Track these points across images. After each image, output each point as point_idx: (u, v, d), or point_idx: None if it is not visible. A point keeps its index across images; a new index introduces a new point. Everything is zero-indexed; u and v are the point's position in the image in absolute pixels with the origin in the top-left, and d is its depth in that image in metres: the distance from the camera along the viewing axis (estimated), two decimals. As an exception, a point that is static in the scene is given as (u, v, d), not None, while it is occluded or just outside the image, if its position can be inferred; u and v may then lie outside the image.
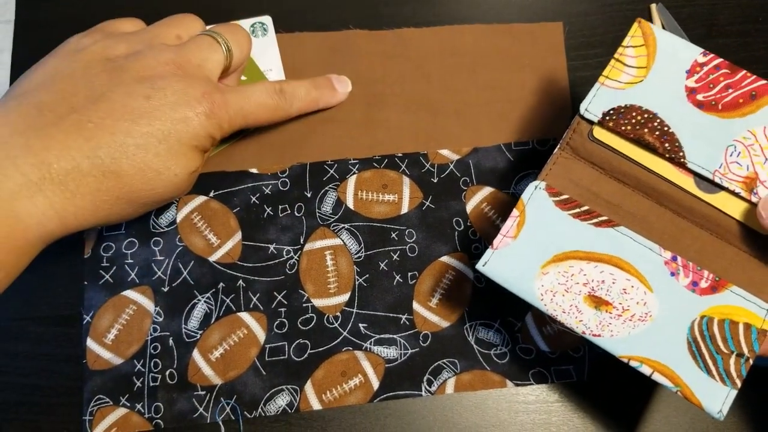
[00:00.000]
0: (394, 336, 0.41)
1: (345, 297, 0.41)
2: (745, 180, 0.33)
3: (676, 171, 0.34)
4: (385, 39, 0.45)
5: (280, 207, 0.43)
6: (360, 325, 0.41)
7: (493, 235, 0.42)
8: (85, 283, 0.41)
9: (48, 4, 0.47)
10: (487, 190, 0.43)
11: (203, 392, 0.40)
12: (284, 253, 0.42)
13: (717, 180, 0.33)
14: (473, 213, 0.42)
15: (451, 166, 0.43)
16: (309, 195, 0.43)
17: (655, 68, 0.35)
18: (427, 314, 0.41)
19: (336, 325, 0.41)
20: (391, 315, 0.41)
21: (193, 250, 0.42)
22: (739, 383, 0.31)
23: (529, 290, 0.33)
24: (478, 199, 0.43)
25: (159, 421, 0.39)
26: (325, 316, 0.41)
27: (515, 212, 0.34)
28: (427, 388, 0.40)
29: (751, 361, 0.31)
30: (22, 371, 0.40)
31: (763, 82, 0.34)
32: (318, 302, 0.41)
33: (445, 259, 0.42)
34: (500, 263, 0.33)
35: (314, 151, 0.44)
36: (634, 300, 0.32)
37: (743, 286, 0.33)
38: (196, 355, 0.40)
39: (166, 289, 0.41)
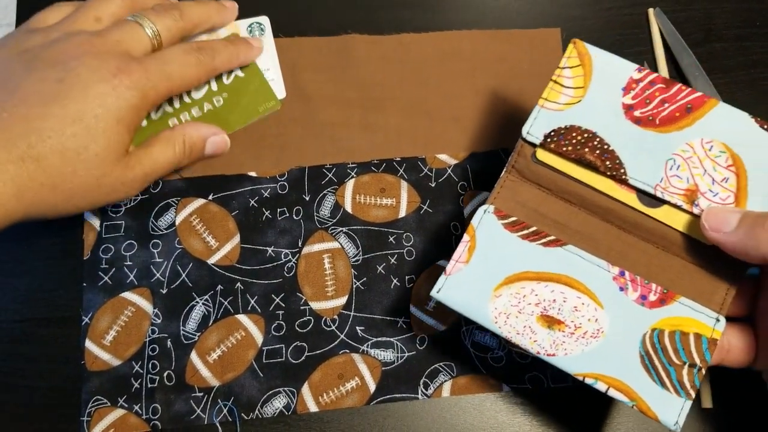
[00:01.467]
0: (391, 339, 0.41)
1: (342, 300, 0.41)
2: (686, 192, 0.33)
3: (618, 188, 0.34)
4: (384, 44, 0.46)
5: (278, 210, 0.43)
6: (357, 328, 0.41)
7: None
8: (84, 284, 0.42)
9: (48, 6, 0.47)
10: (484, 195, 0.43)
11: (201, 394, 0.40)
12: (282, 256, 0.42)
13: (659, 194, 0.34)
14: (471, 217, 0.43)
15: (449, 171, 0.44)
16: (307, 198, 0.43)
17: (592, 87, 0.35)
18: (424, 318, 0.41)
19: (333, 328, 0.41)
20: (389, 318, 0.41)
21: (192, 253, 0.42)
22: (693, 393, 0.31)
23: (484, 314, 0.33)
24: (475, 203, 0.43)
25: (156, 422, 0.39)
26: (323, 319, 0.41)
27: (466, 237, 0.34)
28: (424, 391, 0.40)
29: (703, 371, 0.31)
30: (21, 372, 0.41)
31: (698, 94, 0.34)
32: (315, 305, 0.41)
33: (442, 263, 0.42)
34: (454, 289, 0.34)
35: (313, 154, 0.44)
36: (585, 317, 0.33)
37: (691, 296, 0.33)
38: (193, 356, 0.41)
39: (164, 291, 0.41)
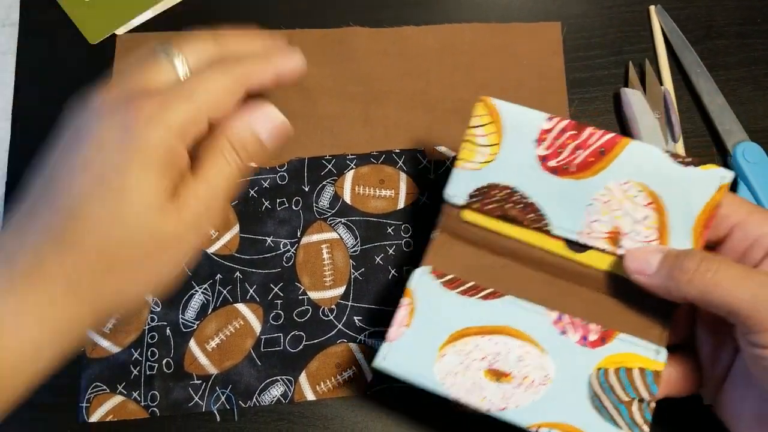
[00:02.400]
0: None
1: (340, 290, 0.42)
2: (609, 235, 0.34)
3: (545, 238, 0.35)
4: (385, 36, 0.46)
5: (277, 200, 0.43)
6: (355, 317, 0.41)
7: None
8: (86, 272, 0.42)
9: (52, 7, 0.48)
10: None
11: (199, 381, 0.40)
12: (281, 245, 0.42)
13: (583, 241, 0.34)
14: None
15: (448, 163, 0.44)
16: (307, 189, 0.43)
17: (506, 143, 0.35)
18: (422, 308, 0.41)
19: (331, 317, 0.41)
20: (386, 308, 0.41)
21: (192, 242, 0.42)
22: (646, 428, 0.31)
23: (430, 377, 0.33)
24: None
25: (155, 409, 0.40)
26: (321, 309, 0.41)
27: (405, 300, 0.34)
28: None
29: (653, 404, 0.31)
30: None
31: (610, 136, 0.34)
32: (314, 295, 0.42)
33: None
34: (399, 355, 0.34)
35: (312, 146, 0.44)
36: (531, 365, 0.33)
37: (631, 331, 0.33)
38: (192, 345, 0.41)
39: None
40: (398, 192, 0.43)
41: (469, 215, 0.36)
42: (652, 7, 0.48)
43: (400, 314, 0.34)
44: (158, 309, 0.41)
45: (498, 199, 0.35)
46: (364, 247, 0.42)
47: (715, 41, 0.47)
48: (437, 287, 0.35)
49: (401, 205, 0.43)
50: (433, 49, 0.46)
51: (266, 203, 0.43)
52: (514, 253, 0.35)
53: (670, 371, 0.34)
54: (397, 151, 0.44)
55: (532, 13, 0.48)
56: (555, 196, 0.34)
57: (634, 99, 0.44)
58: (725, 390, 0.33)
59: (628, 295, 0.33)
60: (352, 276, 0.42)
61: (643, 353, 0.32)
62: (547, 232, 0.35)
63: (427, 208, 0.43)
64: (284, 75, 0.34)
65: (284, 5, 0.48)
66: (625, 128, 0.45)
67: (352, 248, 0.42)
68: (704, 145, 0.45)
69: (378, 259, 0.42)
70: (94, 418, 0.39)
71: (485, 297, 0.34)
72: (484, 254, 0.36)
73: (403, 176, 0.43)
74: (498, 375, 0.33)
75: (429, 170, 0.44)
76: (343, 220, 0.43)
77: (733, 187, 0.43)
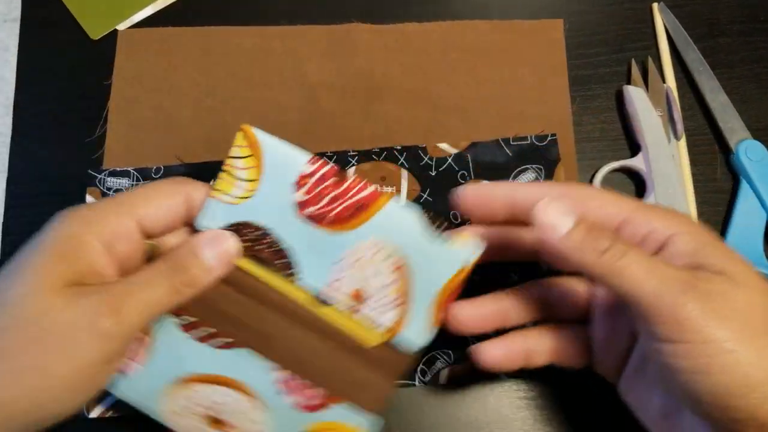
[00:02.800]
0: (389, 326, 0.41)
1: None
2: (353, 294, 0.34)
3: (292, 286, 0.34)
4: (387, 33, 0.46)
5: (278, 197, 0.43)
6: (355, 314, 0.41)
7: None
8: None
9: (54, 2, 0.48)
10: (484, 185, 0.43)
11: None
12: (282, 242, 0.42)
13: (327, 296, 0.34)
14: None
15: (450, 160, 0.44)
16: (308, 185, 0.43)
17: (265, 181, 0.33)
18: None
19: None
20: (387, 305, 0.41)
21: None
22: None
23: (155, 413, 0.34)
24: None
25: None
26: (321, 306, 0.41)
27: (143, 336, 0.34)
28: (421, 378, 0.40)
29: None
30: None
31: (370, 190, 0.33)
32: (314, 291, 0.42)
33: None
34: (129, 387, 0.34)
35: (314, 142, 0.44)
36: (248, 419, 0.34)
37: (353, 400, 0.34)
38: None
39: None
40: (400, 189, 0.43)
41: None
42: (654, 5, 0.48)
43: (136, 349, 0.34)
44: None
45: (251, 239, 0.34)
46: (365, 243, 0.42)
47: (717, 39, 0.47)
48: (176, 329, 0.34)
49: (402, 202, 0.43)
50: (435, 46, 0.46)
51: (267, 199, 0.43)
52: (261, 297, 0.34)
53: (558, 341, 0.34)
54: (399, 147, 0.44)
55: (535, 10, 0.47)
56: (307, 245, 0.33)
57: (636, 96, 0.44)
58: (628, 377, 0.33)
59: (360, 361, 0.34)
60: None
61: (352, 424, 0.34)
62: (293, 282, 0.34)
63: (428, 205, 0.43)
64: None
65: (286, 1, 0.48)
66: (627, 125, 0.45)
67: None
68: (707, 142, 0.45)
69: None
70: (94, 413, 0.39)
71: (220, 346, 0.34)
72: (232, 296, 0.34)
73: (404, 173, 0.43)
74: (218, 424, 0.34)
75: (430, 167, 0.43)
76: (344, 216, 0.43)
77: (735, 185, 0.43)
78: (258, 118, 0.44)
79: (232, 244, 0.33)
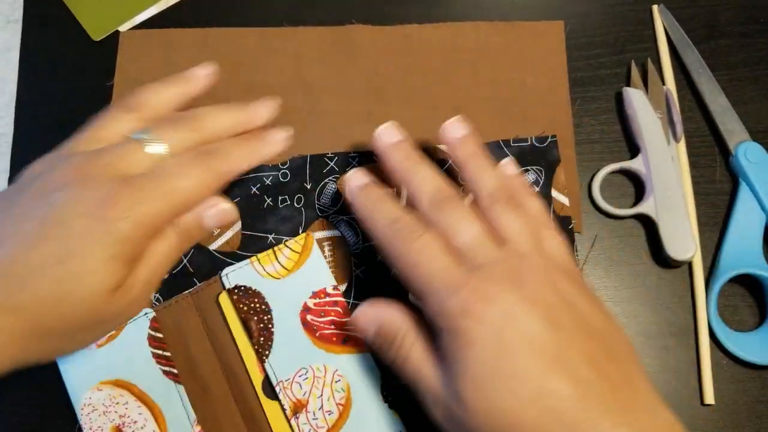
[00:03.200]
0: (390, 327, 0.41)
1: (342, 288, 0.42)
2: (297, 402, 0.37)
3: (256, 366, 0.38)
4: (388, 34, 0.46)
5: (280, 198, 0.43)
6: (356, 315, 0.42)
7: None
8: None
9: (56, 3, 0.48)
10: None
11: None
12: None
13: (278, 389, 0.38)
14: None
15: (450, 162, 0.44)
16: (309, 187, 0.43)
17: (293, 275, 0.40)
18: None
19: (332, 315, 0.42)
20: (387, 306, 0.42)
21: (194, 239, 0.43)
22: None
23: (78, 397, 0.37)
24: (475, 193, 0.43)
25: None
26: (322, 306, 0.42)
27: (115, 332, 0.39)
28: None
29: None
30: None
31: (359, 335, 0.36)
32: (315, 292, 0.42)
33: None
34: (75, 363, 0.38)
35: (315, 143, 0.44)
36: None
37: None
38: (193, 341, 0.41)
39: (166, 276, 0.42)
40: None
41: (224, 300, 0.40)
42: (654, 7, 0.48)
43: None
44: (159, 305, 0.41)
45: (251, 308, 0.39)
46: (365, 244, 0.42)
47: (717, 41, 0.47)
48: (142, 336, 0.39)
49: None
50: (436, 47, 0.46)
51: (268, 200, 0.43)
52: (226, 357, 0.39)
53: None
54: (399, 149, 0.44)
55: (535, 11, 0.48)
56: (289, 341, 0.38)
57: (636, 98, 0.44)
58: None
59: None
60: (354, 273, 0.42)
61: None
62: (262, 361, 0.38)
63: (428, 207, 0.43)
64: (265, 160, 0.37)
65: (287, 2, 0.48)
66: (627, 127, 0.45)
67: (353, 246, 0.42)
68: (706, 144, 0.45)
69: (380, 257, 0.42)
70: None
71: (167, 374, 0.38)
72: (202, 337, 0.39)
73: (405, 174, 0.44)
74: None
75: (431, 168, 0.44)
76: (345, 217, 0.43)
77: (734, 187, 0.43)
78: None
79: (228, 206, 0.35)
